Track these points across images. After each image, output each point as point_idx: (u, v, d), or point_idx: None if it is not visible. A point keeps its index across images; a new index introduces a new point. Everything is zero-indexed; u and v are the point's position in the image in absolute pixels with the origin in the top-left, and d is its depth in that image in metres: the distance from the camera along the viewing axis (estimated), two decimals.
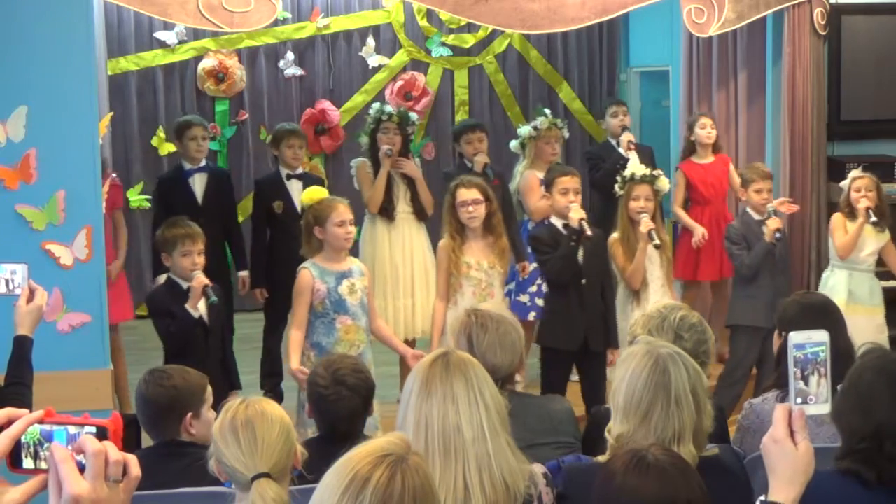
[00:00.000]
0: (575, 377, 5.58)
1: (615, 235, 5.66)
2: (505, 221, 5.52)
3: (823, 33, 6.92)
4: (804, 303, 3.95)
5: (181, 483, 3.09)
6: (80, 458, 1.36)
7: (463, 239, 5.27)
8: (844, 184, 6.03)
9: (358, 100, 9.01)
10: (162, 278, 5.25)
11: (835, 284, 5.96)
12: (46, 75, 4.50)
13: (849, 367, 2.65)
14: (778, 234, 5.81)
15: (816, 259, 6.85)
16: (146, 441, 3.64)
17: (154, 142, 8.69)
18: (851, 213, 5.93)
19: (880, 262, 6.06)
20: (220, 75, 8.67)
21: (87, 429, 1.40)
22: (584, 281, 5.32)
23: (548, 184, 5.62)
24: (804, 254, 6.85)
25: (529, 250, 6.36)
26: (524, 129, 6.81)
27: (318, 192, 5.00)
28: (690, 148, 6.96)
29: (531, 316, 6.41)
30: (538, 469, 2.69)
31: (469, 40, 9.18)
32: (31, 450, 1.41)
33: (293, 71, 8.89)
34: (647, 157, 6.83)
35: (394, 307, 6.24)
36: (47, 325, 4.13)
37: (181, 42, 8.62)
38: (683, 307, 3.61)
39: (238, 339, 5.76)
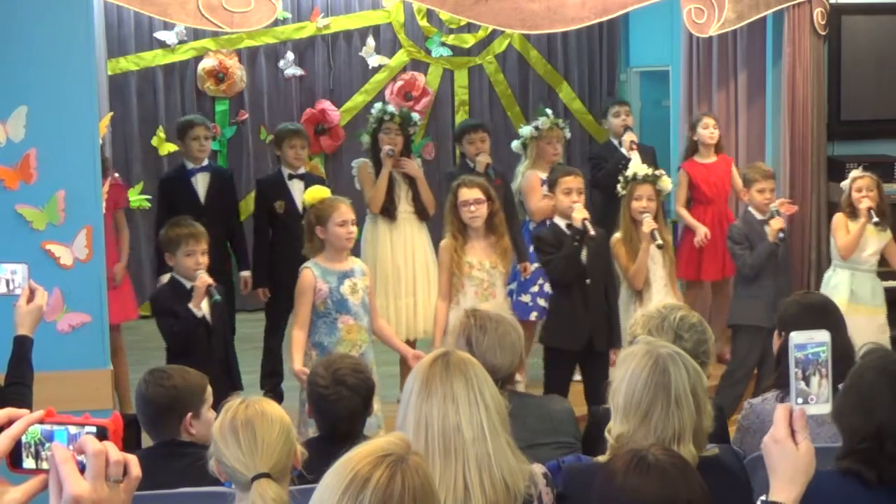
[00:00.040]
0: (577, 377, 5.58)
1: (617, 235, 5.66)
2: (507, 221, 5.53)
3: (823, 33, 6.92)
4: (804, 303, 3.95)
5: (181, 483, 3.09)
6: (80, 458, 1.36)
7: (465, 239, 5.28)
8: (845, 184, 6.03)
9: (358, 100, 9.01)
10: (165, 278, 5.25)
11: (837, 284, 5.97)
12: (46, 75, 4.50)
13: (849, 368, 2.65)
14: (781, 234, 5.82)
15: (816, 259, 6.86)
16: (146, 441, 3.64)
17: (154, 142, 8.69)
18: (853, 213, 5.93)
19: (882, 261, 6.07)
20: (220, 75, 8.67)
21: (87, 429, 1.40)
22: (588, 281, 5.33)
23: (551, 184, 5.62)
24: (804, 254, 6.86)
25: (532, 250, 6.38)
26: (526, 130, 6.81)
27: (320, 192, 5.00)
28: (693, 147, 6.97)
29: (533, 316, 6.42)
30: (538, 469, 2.69)
31: (469, 40, 9.18)
32: (32, 450, 1.41)
33: (293, 71, 8.89)
34: (649, 156, 6.84)
35: (395, 307, 6.25)
36: (47, 325, 4.13)
37: (181, 42, 8.62)
38: (683, 307, 3.61)
39: (239, 339, 5.76)
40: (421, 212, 6.37)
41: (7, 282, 3.48)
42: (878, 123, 7.33)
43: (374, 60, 9.01)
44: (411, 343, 6.02)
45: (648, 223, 5.49)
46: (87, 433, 1.39)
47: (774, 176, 6.24)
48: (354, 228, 4.93)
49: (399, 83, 9.05)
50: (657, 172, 5.73)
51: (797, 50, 6.80)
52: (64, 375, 4.39)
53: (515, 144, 6.93)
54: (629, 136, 6.88)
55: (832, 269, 6.11)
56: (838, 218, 6.02)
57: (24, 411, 1.43)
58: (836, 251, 6.01)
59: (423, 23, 9.08)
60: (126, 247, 6.38)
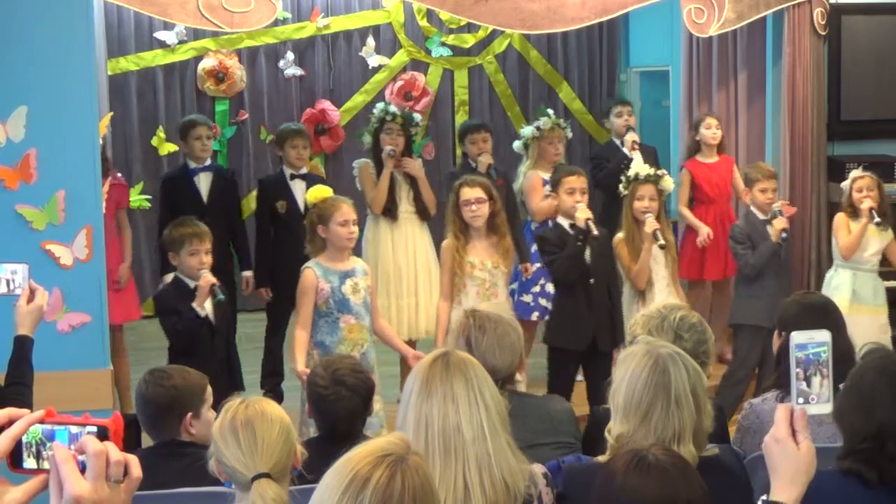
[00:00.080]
0: (578, 377, 5.59)
1: (620, 235, 5.66)
2: (509, 221, 5.53)
3: (823, 33, 6.92)
4: (804, 303, 3.96)
5: (181, 483, 3.09)
6: (81, 458, 1.36)
7: (467, 238, 5.28)
8: (845, 184, 6.03)
9: (358, 100, 9.01)
10: (169, 277, 5.26)
11: (839, 284, 5.97)
12: (46, 75, 4.50)
13: (849, 368, 2.65)
14: (784, 234, 5.82)
15: (816, 259, 6.86)
16: (146, 441, 3.64)
17: (154, 142, 8.69)
18: (854, 213, 5.93)
19: (884, 261, 6.07)
20: (220, 75, 8.67)
21: (88, 428, 1.40)
22: (591, 281, 5.33)
23: (554, 184, 5.63)
24: (804, 254, 6.86)
25: (533, 250, 6.38)
26: (527, 130, 6.81)
27: (322, 191, 5.01)
28: (695, 147, 6.97)
29: (534, 316, 6.42)
30: (538, 469, 2.69)
31: (469, 40, 9.18)
32: (34, 449, 1.41)
33: (293, 71, 8.89)
34: (651, 156, 6.84)
35: (397, 307, 6.25)
36: (47, 325, 4.13)
37: (181, 42, 8.62)
38: (683, 307, 3.61)
39: (239, 339, 5.77)
40: (422, 212, 6.37)
41: (7, 282, 3.48)
42: (878, 123, 7.32)
43: (374, 60, 9.01)
44: (412, 343, 6.03)
45: (651, 223, 5.49)
46: (88, 433, 1.39)
47: (777, 176, 6.24)
48: (356, 228, 4.94)
49: (399, 83, 9.05)
50: (659, 172, 5.73)
51: (797, 50, 6.80)
52: (64, 375, 4.39)
53: (517, 144, 6.93)
54: (631, 136, 6.87)
55: (834, 269, 6.11)
56: (840, 218, 6.02)
57: (25, 411, 1.43)
58: (838, 251, 6.01)
59: (423, 23, 9.08)
60: (129, 247, 6.38)
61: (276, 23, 7.51)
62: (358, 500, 1.78)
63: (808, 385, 1.90)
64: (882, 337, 5.71)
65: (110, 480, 1.36)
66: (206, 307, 4.87)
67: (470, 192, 5.22)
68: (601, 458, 2.77)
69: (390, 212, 6.29)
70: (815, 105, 6.87)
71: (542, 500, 2.63)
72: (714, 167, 6.92)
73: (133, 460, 1.39)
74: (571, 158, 8.55)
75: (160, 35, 8.56)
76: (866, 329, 5.55)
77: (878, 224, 5.84)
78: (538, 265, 6.40)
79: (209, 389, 3.48)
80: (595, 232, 5.26)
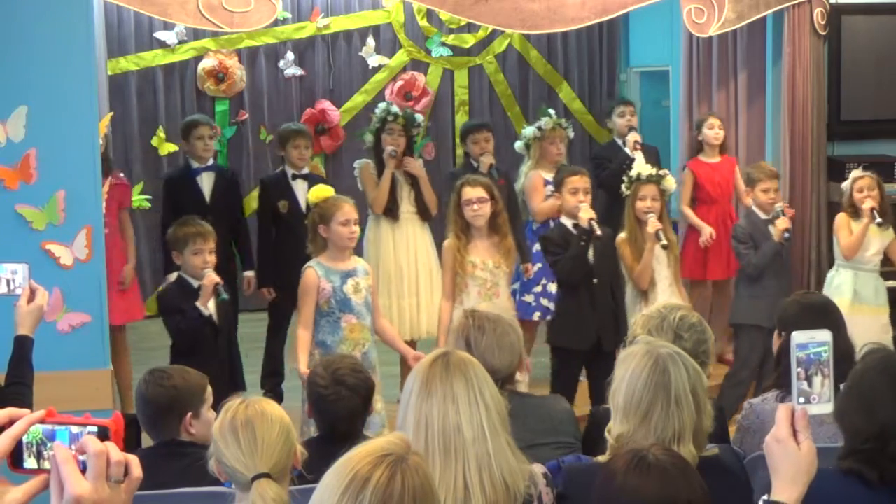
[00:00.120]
0: (581, 377, 5.59)
1: (622, 235, 5.66)
2: (510, 221, 5.53)
3: (823, 33, 6.92)
4: (804, 303, 3.96)
5: (181, 483, 3.09)
6: (82, 458, 1.36)
7: (468, 238, 5.28)
8: (846, 185, 6.03)
9: (358, 100, 9.01)
10: (173, 276, 5.27)
11: (840, 284, 5.97)
12: (46, 75, 4.50)
13: (849, 368, 2.65)
14: (787, 234, 5.82)
15: (816, 259, 6.86)
16: (146, 441, 3.64)
17: (154, 142, 8.69)
18: (855, 213, 5.93)
19: (885, 261, 6.07)
20: (220, 75, 8.67)
21: (88, 429, 1.40)
22: (595, 280, 5.33)
23: (557, 184, 5.64)
24: (804, 254, 6.86)
25: (535, 250, 6.38)
26: (529, 130, 6.81)
27: (324, 191, 5.01)
28: (698, 147, 6.97)
29: (536, 316, 6.43)
30: (538, 469, 2.69)
31: (469, 40, 9.18)
32: (34, 449, 1.41)
33: (293, 71, 8.89)
34: (653, 157, 6.84)
35: (399, 307, 6.25)
36: (47, 325, 4.13)
37: (181, 42, 8.62)
38: (683, 307, 3.62)
39: (240, 339, 5.77)
40: (423, 212, 6.38)
41: (7, 282, 3.48)
42: (878, 123, 7.32)
43: (374, 60, 9.01)
44: (413, 343, 6.03)
45: (653, 223, 5.49)
46: (89, 433, 1.39)
47: (779, 176, 6.24)
48: (357, 228, 4.94)
49: (399, 83, 9.05)
50: (661, 172, 5.73)
51: (797, 50, 6.80)
52: (64, 375, 4.39)
53: (519, 145, 6.94)
54: (633, 136, 6.87)
55: (835, 269, 6.10)
56: (841, 218, 6.02)
57: (26, 411, 1.43)
58: (840, 251, 6.01)
59: (423, 23, 9.08)
60: (133, 247, 6.37)
61: (276, 23, 7.51)
62: (358, 500, 1.78)
63: (810, 385, 1.90)
64: (883, 337, 5.71)
65: (111, 480, 1.36)
66: (209, 307, 4.87)
67: (471, 192, 5.22)
68: (601, 458, 2.77)
69: (391, 212, 6.29)
70: (815, 105, 6.87)
71: (542, 500, 2.63)
72: (717, 167, 6.92)
73: (134, 460, 1.39)
74: (571, 158, 8.54)
75: (160, 35, 8.56)
76: (867, 329, 5.55)
77: (879, 224, 5.84)
78: (539, 265, 6.40)
79: (209, 389, 3.48)
80: (598, 232, 5.26)
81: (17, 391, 3.46)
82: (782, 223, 5.82)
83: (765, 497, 1.94)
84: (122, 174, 6.60)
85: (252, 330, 6.79)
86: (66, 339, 4.57)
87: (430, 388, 2.56)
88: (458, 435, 2.50)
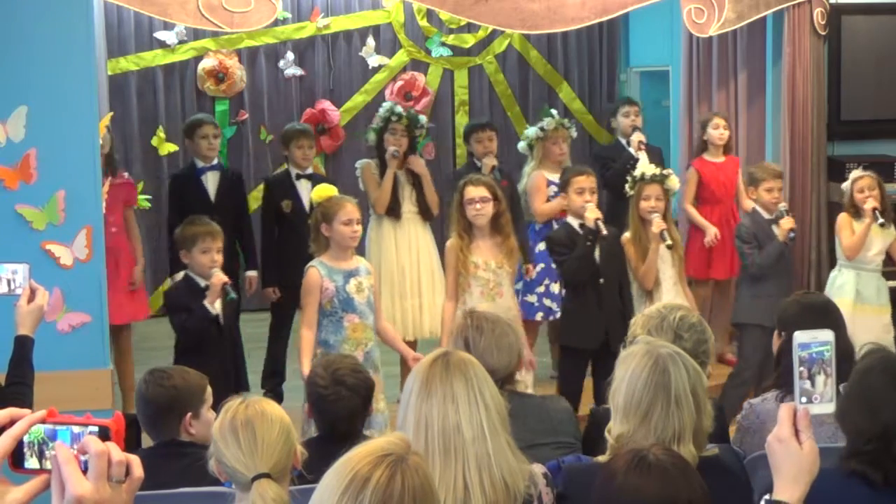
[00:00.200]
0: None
1: (626, 235, 5.66)
2: (513, 222, 5.52)
3: (823, 33, 6.91)
4: (804, 303, 3.95)
5: (181, 483, 3.09)
6: (83, 458, 1.36)
7: (471, 238, 5.28)
8: (846, 185, 6.02)
9: (358, 100, 9.01)
10: (179, 275, 5.28)
11: (842, 284, 5.96)
12: (46, 75, 4.51)
13: (849, 367, 2.65)
14: (792, 234, 5.82)
15: (816, 259, 6.85)
16: (146, 441, 3.64)
17: (154, 142, 8.69)
18: (857, 213, 5.92)
19: (887, 261, 6.07)
20: (220, 75, 8.67)
21: (89, 429, 1.40)
22: (602, 280, 5.34)
23: (563, 184, 5.65)
24: (804, 254, 6.85)
25: (538, 250, 6.39)
26: (531, 131, 6.81)
27: (327, 190, 5.01)
28: (702, 147, 6.97)
29: (538, 316, 6.45)
30: (538, 469, 2.69)
31: (469, 40, 9.18)
32: (36, 449, 1.41)
33: (293, 71, 8.89)
34: (656, 157, 6.84)
35: (401, 307, 6.26)
36: (47, 325, 4.13)
37: (181, 42, 8.62)
38: (683, 307, 3.62)
39: (242, 339, 5.77)
40: (425, 212, 6.38)
41: (8, 282, 3.48)
42: (878, 123, 7.32)
43: (374, 60, 9.01)
44: (414, 343, 6.04)
45: (658, 223, 5.49)
46: (90, 433, 1.39)
47: (782, 175, 6.24)
48: (359, 227, 4.93)
49: (399, 83, 9.05)
50: (665, 172, 5.74)
51: (797, 50, 6.80)
52: (64, 375, 4.39)
53: (521, 145, 6.94)
54: (637, 137, 6.88)
55: (837, 269, 6.10)
56: (842, 218, 6.01)
57: (27, 411, 1.43)
58: (842, 252, 6.01)
59: (423, 23, 9.08)
60: (140, 247, 6.38)
61: (276, 23, 7.51)
62: (358, 500, 1.78)
63: (812, 384, 1.90)
64: (885, 337, 5.71)
65: (112, 480, 1.36)
66: (216, 306, 4.88)
67: (474, 191, 5.22)
68: (601, 458, 2.77)
69: (394, 212, 6.30)
70: (815, 105, 6.87)
71: (542, 500, 2.63)
72: (721, 167, 6.93)
73: (135, 460, 1.39)
74: (572, 158, 8.55)
75: (160, 35, 8.56)
76: (870, 329, 5.56)
77: (881, 224, 5.84)
78: (542, 265, 6.41)
79: (209, 389, 3.48)
80: (604, 232, 5.27)
81: (17, 391, 3.46)
82: (787, 223, 5.81)
83: (767, 497, 1.93)
84: (125, 174, 6.60)
85: (254, 330, 6.80)
86: (66, 339, 4.58)
87: (429, 388, 2.56)
88: (458, 435, 2.50)
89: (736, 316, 6.10)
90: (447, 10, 6.30)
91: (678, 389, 2.66)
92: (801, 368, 1.90)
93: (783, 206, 5.95)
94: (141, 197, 8.25)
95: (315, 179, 6.31)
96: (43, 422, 1.41)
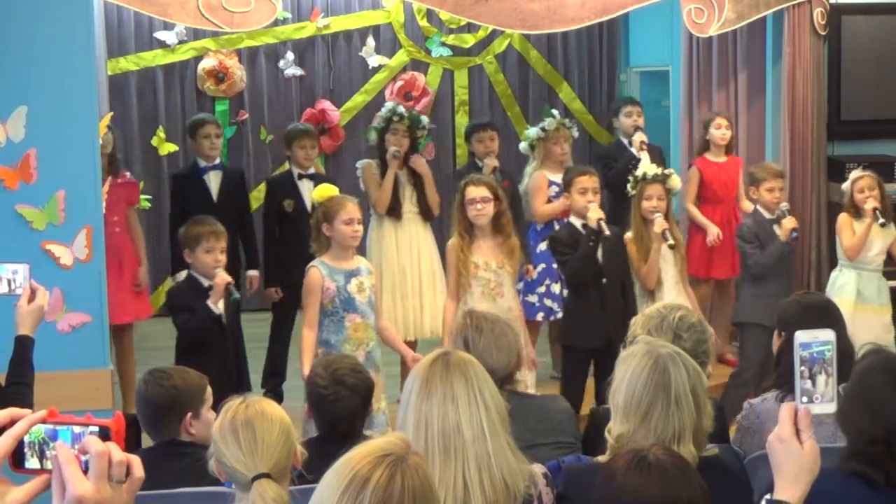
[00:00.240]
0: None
1: (628, 235, 5.67)
2: (514, 222, 5.52)
3: (823, 33, 6.91)
4: (804, 303, 3.95)
5: (181, 483, 3.09)
6: (84, 458, 1.36)
7: (471, 238, 5.28)
8: (846, 186, 6.02)
9: (358, 100, 9.01)
10: (182, 275, 5.28)
11: (843, 284, 5.96)
12: (46, 75, 4.51)
13: (849, 367, 2.65)
14: (794, 234, 5.82)
15: (816, 259, 6.85)
16: (146, 441, 3.64)
17: (154, 142, 8.69)
18: (857, 213, 5.92)
19: (887, 261, 6.07)
20: (220, 75, 8.67)
21: (90, 429, 1.40)
22: (604, 280, 5.34)
23: (566, 184, 5.65)
24: (804, 254, 6.85)
25: (540, 250, 6.39)
26: (532, 131, 6.82)
27: (328, 190, 5.01)
28: (704, 146, 6.97)
29: (539, 316, 6.45)
30: (538, 469, 2.69)
31: (469, 40, 9.18)
32: (37, 449, 1.41)
33: (293, 71, 8.89)
34: (658, 157, 6.85)
35: (402, 307, 6.26)
36: (47, 325, 4.13)
37: (181, 42, 8.62)
38: (683, 307, 3.62)
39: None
40: (425, 212, 6.38)
41: (8, 282, 3.48)
42: (878, 123, 7.32)
43: (374, 60, 9.01)
44: (414, 343, 6.04)
45: (660, 223, 5.49)
46: (90, 433, 1.39)
47: (784, 175, 6.24)
48: (360, 227, 4.93)
49: (399, 83, 9.05)
50: (666, 172, 5.74)
51: (797, 50, 6.80)
52: (64, 375, 4.39)
53: (523, 146, 6.94)
54: (640, 137, 6.88)
55: (838, 269, 6.10)
56: (843, 218, 6.01)
57: (27, 411, 1.43)
58: (843, 252, 6.01)
59: (423, 23, 9.08)
60: (143, 247, 6.38)
61: (276, 23, 7.51)
62: (358, 500, 1.78)
63: (813, 384, 1.90)
64: (885, 337, 5.71)
65: (113, 481, 1.36)
66: (219, 306, 4.88)
67: (475, 191, 5.22)
68: (601, 458, 2.77)
69: (394, 212, 6.30)
70: (815, 105, 6.87)
71: (542, 500, 2.63)
72: (723, 166, 6.93)
73: (135, 461, 1.39)
74: (572, 158, 8.55)
75: (160, 35, 8.56)
76: (870, 329, 5.57)
77: (882, 224, 5.84)
78: (543, 265, 6.41)
79: (209, 390, 3.48)
80: (607, 232, 5.27)
81: (18, 391, 3.46)
82: (789, 223, 5.81)
83: (768, 496, 1.94)
84: (128, 173, 6.60)
85: (255, 330, 6.79)
86: (66, 339, 4.58)
87: (429, 388, 2.56)
88: (458, 434, 2.50)
89: (737, 315, 6.10)
90: (447, 10, 6.30)
91: (678, 389, 2.66)
92: (802, 368, 1.90)
93: (784, 205, 5.94)
94: (141, 197, 8.27)
95: (317, 179, 6.31)
96: (43, 422, 1.41)
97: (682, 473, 2.22)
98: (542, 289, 6.46)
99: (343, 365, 3.52)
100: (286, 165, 6.75)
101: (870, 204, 5.82)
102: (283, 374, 6.44)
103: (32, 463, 1.41)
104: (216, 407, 2.85)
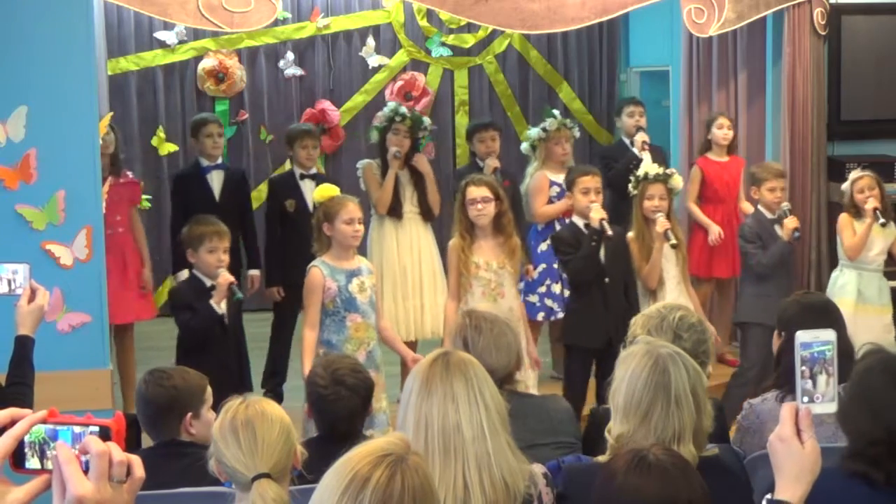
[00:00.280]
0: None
1: (630, 234, 5.67)
2: (515, 222, 5.52)
3: (823, 33, 6.92)
4: (804, 303, 3.95)
5: (181, 483, 3.09)
6: (85, 458, 1.36)
7: (472, 238, 5.28)
8: (845, 186, 6.02)
9: (358, 100, 9.01)
10: (184, 274, 5.28)
11: (844, 284, 5.96)
12: (46, 75, 4.51)
13: (848, 367, 2.64)
14: (797, 234, 5.82)
15: (816, 259, 6.86)
16: (146, 441, 3.64)
17: (154, 142, 8.69)
18: (857, 213, 5.92)
19: (888, 261, 6.07)
20: (220, 75, 8.67)
21: (90, 429, 1.40)
22: (607, 280, 5.35)
23: (569, 184, 5.65)
24: (804, 254, 6.85)
25: (540, 250, 6.39)
26: (533, 132, 6.82)
27: (329, 190, 5.01)
28: (706, 146, 6.98)
29: (540, 316, 6.45)
30: (538, 469, 2.69)
31: (469, 40, 9.18)
32: (37, 449, 1.41)
33: (293, 71, 8.89)
34: (660, 156, 6.85)
35: (403, 308, 6.26)
36: (47, 325, 4.13)
37: (181, 42, 8.62)
38: (682, 307, 3.62)
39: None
40: (426, 213, 6.38)
41: (8, 282, 3.48)
42: (878, 123, 7.32)
43: (374, 60, 9.01)
44: (415, 344, 6.04)
45: (662, 223, 5.50)
46: (91, 433, 1.39)
47: (785, 175, 6.24)
48: (361, 226, 4.94)
49: (399, 83, 9.05)
50: (668, 171, 5.74)
51: (797, 50, 6.80)
52: (64, 375, 4.40)
53: (524, 146, 6.94)
54: (642, 137, 6.88)
55: (839, 269, 6.10)
56: (843, 218, 6.01)
57: (27, 411, 1.43)
58: (843, 252, 6.01)
59: (423, 23, 9.08)
60: (146, 247, 6.38)
61: (276, 23, 7.51)
62: (358, 500, 1.78)
63: (814, 384, 1.90)
64: (886, 337, 5.71)
65: (113, 481, 1.36)
66: (221, 306, 4.88)
67: (476, 191, 5.22)
68: (601, 458, 2.77)
69: (395, 212, 6.30)
70: (815, 105, 6.87)
71: (542, 500, 2.63)
72: (725, 166, 6.94)
73: (136, 461, 1.39)
74: (572, 158, 8.55)
75: (160, 35, 8.56)
76: (871, 329, 5.57)
77: (882, 224, 5.84)
78: (544, 266, 6.41)
79: (209, 390, 3.48)
80: (609, 232, 5.27)
81: (18, 391, 3.46)
82: (791, 222, 5.81)
83: (768, 496, 1.94)
84: (130, 173, 6.61)
85: (256, 330, 6.79)
86: (66, 339, 4.58)
87: (430, 388, 2.56)
88: (458, 434, 2.50)
89: (739, 315, 6.10)
90: (447, 10, 6.30)
91: (678, 389, 2.66)
92: (803, 368, 1.90)
93: (786, 205, 5.94)
94: (142, 197, 8.27)
95: (319, 179, 6.31)
96: (44, 422, 1.41)
97: (682, 473, 2.22)
98: (542, 289, 6.46)
99: (343, 365, 3.52)
100: (287, 165, 6.74)
101: (870, 204, 5.82)
102: (283, 375, 6.44)
103: (33, 463, 1.41)
104: (217, 407, 2.85)
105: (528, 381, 5.23)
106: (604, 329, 5.29)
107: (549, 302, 6.45)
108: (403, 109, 6.47)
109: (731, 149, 6.96)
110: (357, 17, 8.95)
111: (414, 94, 9.03)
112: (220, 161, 6.45)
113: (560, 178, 6.39)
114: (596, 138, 9.31)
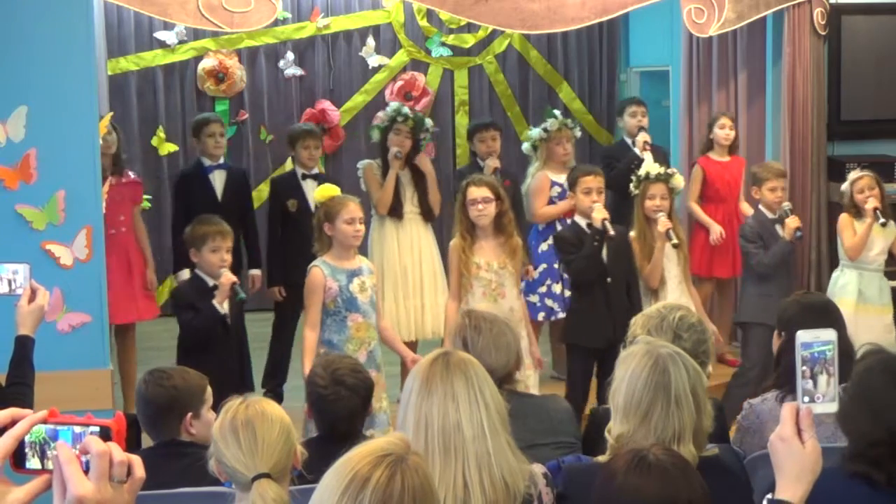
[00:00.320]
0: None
1: (632, 234, 5.67)
2: (515, 222, 5.52)
3: (823, 33, 6.92)
4: (804, 303, 3.95)
5: (181, 483, 3.09)
6: (85, 458, 1.36)
7: (473, 239, 5.27)
8: (845, 186, 6.02)
9: (358, 100, 9.01)
10: (185, 274, 5.27)
11: (845, 284, 5.96)
12: (46, 75, 4.51)
13: (848, 368, 2.64)
14: (798, 233, 5.82)
15: (816, 259, 6.86)
16: (146, 441, 3.64)
17: (154, 142, 8.69)
18: (857, 213, 5.92)
19: (888, 261, 6.07)
20: (220, 75, 8.67)
21: (91, 429, 1.40)
22: (609, 280, 5.35)
23: (571, 184, 5.65)
24: (804, 254, 6.86)
25: (541, 250, 6.38)
26: (535, 132, 6.81)
27: (330, 190, 5.02)
28: (708, 145, 6.99)
29: (540, 316, 6.45)
30: (538, 469, 2.69)
31: (469, 40, 9.18)
32: (37, 449, 1.41)
33: (293, 71, 8.89)
34: (661, 157, 6.85)
35: (404, 308, 6.26)
36: (47, 325, 4.12)
37: (181, 42, 8.62)
38: (682, 307, 3.62)
39: None
40: (426, 213, 6.38)
41: (9, 282, 3.48)
42: (878, 123, 7.32)
43: (374, 60, 9.01)
44: (415, 344, 6.04)
45: (663, 222, 5.50)
46: (91, 433, 1.39)
47: (786, 175, 6.24)
48: (362, 226, 4.94)
49: (399, 83, 9.05)
50: (669, 171, 5.74)
51: (797, 50, 6.80)
52: (64, 375, 4.39)
53: (526, 147, 6.94)
54: (643, 137, 6.88)
55: (840, 269, 6.10)
56: (844, 218, 6.01)
57: (28, 411, 1.43)
58: (844, 252, 6.01)
59: (423, 23, 9.08)
60: (148, 247, 6.38)
61: (276, 23, 7.51)
62: (358, 500, 1.78)
63: (814, 384, 1.91)
64: (886, 337, 5.71)
65: (114, 481, 1.36)
66: (224, 305, 4.88)
67: (476, 192, 5.22)
68: (601, 458, 2.77)
69: (395, 212, 6.30)
70: (815, 105, 6.87)
71: (542, 499, 2.63)
72: (726, 166, 6.94)
73: (136, 461, 1.39)
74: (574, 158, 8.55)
75: (160, 35, 8.56)
76: (871, 329, 5.57)
77: (883, 224, 5.84)
78: (544, 266, 6.41)
79: (209, 390, 3.48)
80: (611, 232, 5.27)
81: (18, 391, 3.46)
82: (793, 222, 5.81)
83: (769, 496, 1.94)
84: (131, 173, 6.60)
85: (256, 330, 6.78)
86: (66, 339, 4.58)
87: (430, 387, 2.56)
88: (458, 434, 2.50)
89: (740, 315, 6.11)
90: (447, 10, 6.30)
91: (678, 389, 2.66)
92: (804, 368, 1.90)
93: (787, 204, 5.95)
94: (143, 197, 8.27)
95: (321, 179, 6.32)
96: (44, 422, 1.41)
97: (682, 473, 2.22)
98: (543, 289, 6.46)
99: (343, 365, 3.52)
100: (287, 165, 6.74)
101: (870, 204, 5.82)
102: (284, 375, 6.43)
103: (33, 463, 1.41)
104: (217, 407, 2.85)
105: (529, 381, 5.23)
106: (606, 329, 5.29)
107: (549, 302, 6.45)
108: (406, 110, 6.47)
109: (732, 149, 6.97)
110: (357, 17, 8.96)
111: (414, 94, 9.02)
112: (222, 161, 6.45)
113: (561, 178, 6.39)
114: (596, 138, 9.31)
